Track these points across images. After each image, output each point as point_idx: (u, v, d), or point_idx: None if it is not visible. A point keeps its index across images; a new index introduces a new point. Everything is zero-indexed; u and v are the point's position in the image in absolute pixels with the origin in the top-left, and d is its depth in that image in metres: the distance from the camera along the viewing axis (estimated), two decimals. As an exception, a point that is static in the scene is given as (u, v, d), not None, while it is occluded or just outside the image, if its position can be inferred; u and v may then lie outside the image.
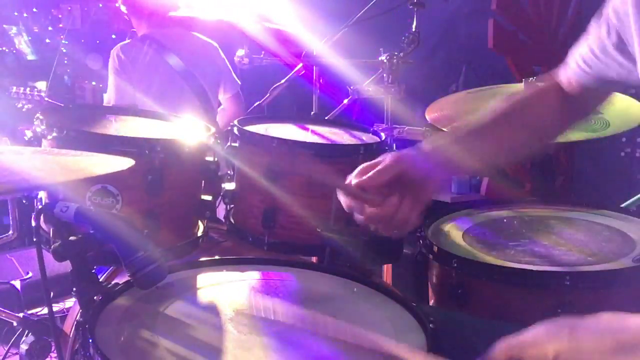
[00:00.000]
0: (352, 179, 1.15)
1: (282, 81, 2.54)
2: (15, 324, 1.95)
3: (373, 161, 1.16)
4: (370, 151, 1.69)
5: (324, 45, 2.41)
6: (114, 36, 5.33)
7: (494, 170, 1.41)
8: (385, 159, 1.15)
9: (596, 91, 1.25)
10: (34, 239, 1.18)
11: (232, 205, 1.76)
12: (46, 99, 3.39)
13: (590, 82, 1.22)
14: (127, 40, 3.12)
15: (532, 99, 1.35)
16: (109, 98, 3.06)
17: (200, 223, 1.70)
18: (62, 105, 3.31)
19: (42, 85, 4.92)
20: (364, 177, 1.13)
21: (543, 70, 3.99)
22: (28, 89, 3.46)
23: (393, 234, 1.18)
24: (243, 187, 1.71)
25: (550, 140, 1.38)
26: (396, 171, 1.13)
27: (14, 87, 3.43)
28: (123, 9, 3.19)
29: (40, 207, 1.10)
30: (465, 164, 1.23)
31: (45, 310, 1.19)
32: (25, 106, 3.41)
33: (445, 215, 1.78)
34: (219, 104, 3.32)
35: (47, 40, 5.54)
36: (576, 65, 1.23)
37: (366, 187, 1.13)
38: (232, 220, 1.74)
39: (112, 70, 3.03)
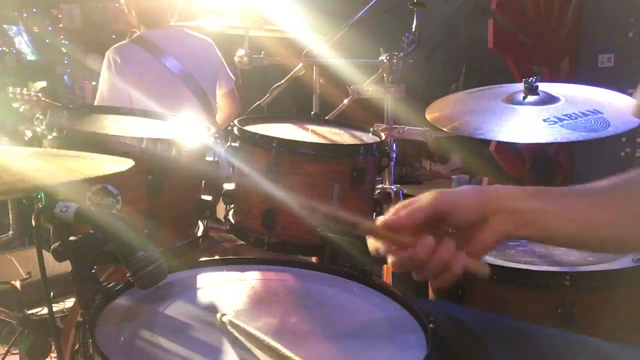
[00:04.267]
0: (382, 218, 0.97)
1: (282, 81, 2.54)
2: (15, 324, 1.95)
3: (409, 200, 0.97)
4: (370, 151, 1.70)
5: (324, 45, 2.41)
6: (114, 36, 5.33)
7: (589, 246, 1.07)
8: (423, 196, 0.95)
9: None
10: (34, 239, 1.18)
11: (232, 205, 1.77)
12: (44, 99, 3.38)
13: None
14: (122, 42, 3.11)
15: None
16: (100, 100, 3.03)
17: (200, 223, 1.70)
18: (60, 105, 3.29)
19: (39, 86, 4.91)
20: (394, 217, 0.95)
21: (543, 70, 3.99)
22: (25, 89, 3.44)
23: (435, 284, 1.01)
24: (243, 187, 1.71)
25: None
26: (433, 210, 0.93)
27: (11, 88, 3.41)
28: (125, 8, 3.19)
29: (40, 207, 1.10)
30: (549, 222, 0.93)
31: (45, 310, 1.19)
32: (23, 107, 3.40)
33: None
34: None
35: (47, 40, 5.54)
36: None
37: (394, 227, 0.94)
38: (232, 220, 1.74)
39: (106, 73, 3.01)
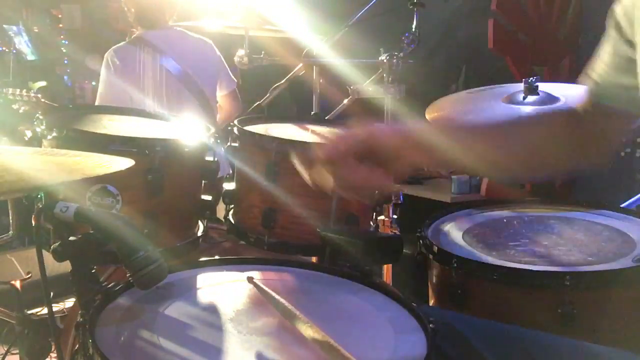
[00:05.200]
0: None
1: (282, 81, 2.54)
2: (15, 324, 1.95)
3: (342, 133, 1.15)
4: (370, 151, 1.69)
5: (324, 45, 2.41)
6: (114, 36, 5.33)
7: (472, 169, 1.39)
8: (354, 129, 1.10)
9: (608, 111, 1.14)
10: (34, 239, 1.18)
11: (232, 205, 1.77)
12: (42, 100, 3.38)
13: (601, 96, 1.15)
14: (120, 44, 3.11)
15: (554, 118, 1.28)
16: (100, 102, 3.03)
17: (200, 223, 1.70)
18: (58, 106, 3.28)
19: (37, 85, 4.91)
20: (330, 145, 1.08)
21: (543, 70, 3.99)
22: (24, 90, 3.44)
23: (362, 201, 1.22)
24: (243, 187, 1.71)
25: (550, 168, 1.26)
26: (363, 140, 1.07)
27: (11, 89, 3.41)
28: (124, 6, 3.19)
29: (40, 207, 1.10)
30: (442, 153, 1.11)
31: (45, 310, 1.19)
32: (22, 108, 3.40)
33: (445, 215, 1.78)
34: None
35: (47, 40, 5.54)
36: (590, 80, 1.17)
37: (332, 156, 1.06)
38: (232, 220, 1.74)
39: (105, 74, 3.01)
